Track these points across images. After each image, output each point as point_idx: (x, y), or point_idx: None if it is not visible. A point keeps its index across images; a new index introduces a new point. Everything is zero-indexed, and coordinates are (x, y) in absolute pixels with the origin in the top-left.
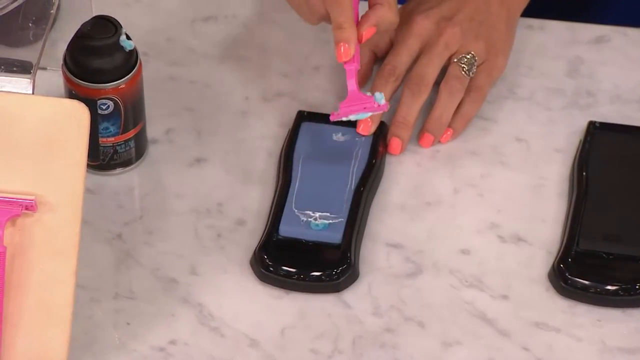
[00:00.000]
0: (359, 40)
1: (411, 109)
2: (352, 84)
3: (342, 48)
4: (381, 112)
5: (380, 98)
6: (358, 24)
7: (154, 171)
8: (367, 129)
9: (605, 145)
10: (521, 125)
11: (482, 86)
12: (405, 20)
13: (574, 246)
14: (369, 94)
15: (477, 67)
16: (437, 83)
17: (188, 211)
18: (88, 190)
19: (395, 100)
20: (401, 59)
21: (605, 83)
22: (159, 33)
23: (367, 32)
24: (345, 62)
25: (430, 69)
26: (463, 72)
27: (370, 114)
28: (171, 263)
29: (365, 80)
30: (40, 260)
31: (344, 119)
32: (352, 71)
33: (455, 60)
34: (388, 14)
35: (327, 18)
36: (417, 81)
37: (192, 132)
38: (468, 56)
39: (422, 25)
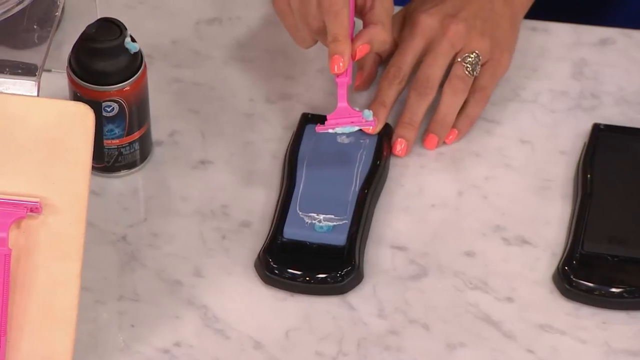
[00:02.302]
0: (353, 57)
1: (417, 110)
2: (342, 98)
3: (336, 60)
4: (368, 127)
5: (369, 115)
6: (352, 40)
7: (159, 173)
8: (372, 129)
9: (610, 147)
10: (525, 127)
11: (486, 86)
12: (408, 20)
13: (578, 248)
14: (357, 109)
15: (481, 66)
16: (441, 84)
17: (193, 213)
18: (93, 192)
19: (400, 101)
20: (406, 59)
21: (610, 85)
22: (164, 35)
23: (361, 49)
24: (337, 75)
25: (435, 69)
26: (467, 72)
27: (357, 128)
28: (176, 265)
29: (370, 81)
30: (45, 262)
31: (330, 131)
32: (344, 85)
33: (459, 59)
34: (381, 33)
35: (321, 34)
36: (423, 82)
37: (197, 134)
38: (472, 55)
39: (426, 24)
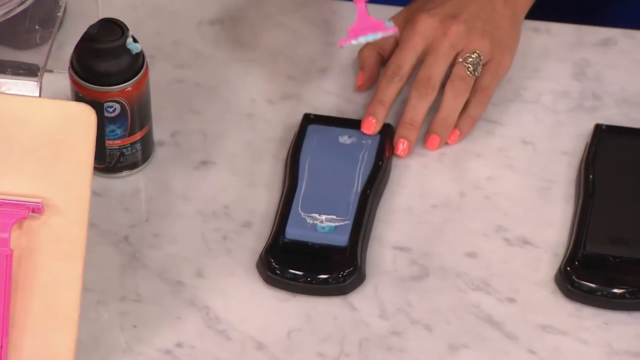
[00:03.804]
0: None
1: (419, 110)
2: (361, 6)
3: None
4: (392, 35)
5: (390, 23)
6: None
7: (161, 174)
8: (371, 127)
9: (611, 148)
10: (527, 127)
11: (488, 87)
12: (409, 20)
13: (580, 249)
14: (376, 19)
15: (483, 66)
16: (443, 84)
17: (194, 214)
18: (94, 193)
19: (401, 101)
20: (405, 57)
21: (612, 86)
22: (165, 36)
23: None
24: None
25: (436, 70)
26: (468, 72)
27: (380, 35)
28: (177, 265)
29: (372, 81)
30: (47, 263)
31: (354, 42)
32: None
33: (460, 60)
34: None
35: None
36: (424, 82)
37: (199, 135)
38: (473, 55)
39: (427, 24)
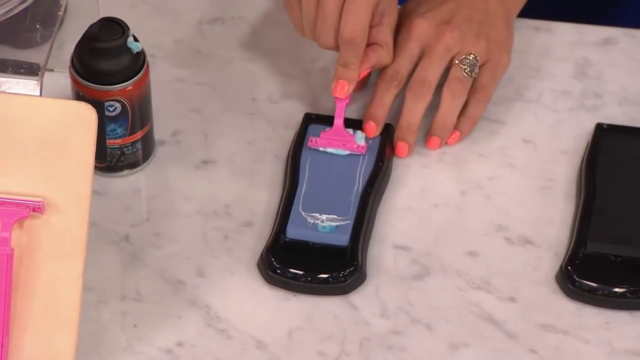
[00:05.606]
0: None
1: (415, 113)
2: (339, 118)
3: (341, 85)
4: (358, 153)
5: (361, 139)
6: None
7: (161, 173)
8: (372, 131)
9: (612, 147)
10: (528, 127)
11: (487, 86)
12: (404, 23)
13: (581, 248)
14: (351, 131)
15: (480, 67)
16: (440, 86)
17: (195, 213)
18: (95, 192)
19: (401, 101)
20: (402, 62)
21: (613, 85)
22: (166, 35)
23: (364, 72)
24: (338, 98)
25: (431, 72)
26: (465, 74)
27: (347, 152)
28: (178, 265)
29: (364, 83)
30: (48, 262)
31: (321, 149)
32: (342, 107)
33: (456, 62)
34: (386, 56)
35: (326, 47)
36: (419, 84)
37: (199, 134)
38: (470, 57)
39: (421, 29)
